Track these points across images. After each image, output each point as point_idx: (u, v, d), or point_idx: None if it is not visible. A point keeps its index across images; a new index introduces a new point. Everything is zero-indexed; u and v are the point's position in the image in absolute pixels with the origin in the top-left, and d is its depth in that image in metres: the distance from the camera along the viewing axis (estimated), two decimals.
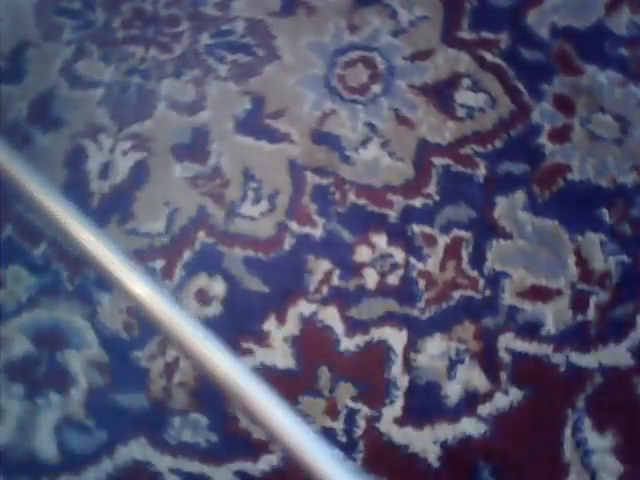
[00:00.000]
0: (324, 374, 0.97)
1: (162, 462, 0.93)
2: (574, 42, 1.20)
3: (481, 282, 1.01)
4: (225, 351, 0.75)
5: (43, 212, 0.81)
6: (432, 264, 1.03)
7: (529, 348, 0.97)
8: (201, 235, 1.08)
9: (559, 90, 1.16)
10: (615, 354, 0.95)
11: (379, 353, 0.98)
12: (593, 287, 1.00)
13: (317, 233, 1.07)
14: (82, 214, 0.84)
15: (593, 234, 1.04)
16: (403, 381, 0.96)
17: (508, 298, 1.00)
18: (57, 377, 1.00)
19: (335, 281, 1.03)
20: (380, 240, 1.06)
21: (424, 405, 0.95)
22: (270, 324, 1.01)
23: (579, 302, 0.99)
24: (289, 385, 0.97)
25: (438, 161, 1.11)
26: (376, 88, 1.19)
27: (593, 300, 0.99)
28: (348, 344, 0.99)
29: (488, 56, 1.20)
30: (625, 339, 0.96)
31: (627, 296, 0.99)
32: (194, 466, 0.93)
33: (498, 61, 1.19)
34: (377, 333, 0.99)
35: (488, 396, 0.94)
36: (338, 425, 0.94)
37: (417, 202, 1.08)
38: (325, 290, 1.03)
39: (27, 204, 0.92)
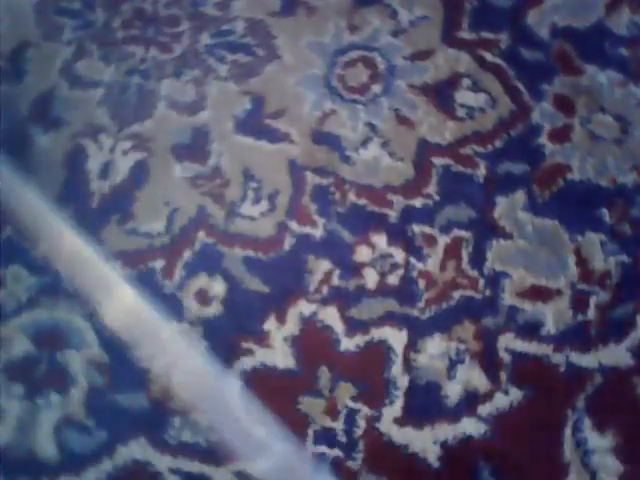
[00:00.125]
0: (324, 374, 0.97)
1: (162, 462, 0.93)
2: (574, 42, 1.20)
3: (481, 282, 1.01)
4: None
5: None
6: (432, 264, 1.03)
7: (529, 348, 0.97)
8: (201, 235, 1.08)
9: (559, 90, 1.16)
10: (615, 354, 0.95)
11: (379, 353, 0.98)
12: (593, 287, 1.00)
13: (317, 233, 1.07)
14: None
15: (593, 234, 1.03)
16: (403, 381, 0.96)
17: (508, 298, 1.00)
18: (57, 377, 1.00)
19: (335, 281, 1.03)
20: (380, 240, 1.06)
21: (424, 405, 0.95)
22: (270, 324, 1.01)
23: (579, 302, 0.99)
24: (289, 385, 0.97)
25: (438, 161, 1.11)
26: (376, 88, 1.19)
27: (593, 300, 0.99)
28: (348, 344, 0.99)
29: (488, 56, 1.20)
30: (625, 339, 0.96)
31: (627, 296, 0.99)
32: (194, 466, 0.93)
33: (498, 61, 1.19)
34: (377, 333, 0.99)
35: (488, 396, 0.94)
36: (338, 425, 0.94)
37: (417, 202, 1.08)
38: (325, 290, 1.03)
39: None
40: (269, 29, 1.26)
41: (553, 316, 0.98)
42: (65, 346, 1.01)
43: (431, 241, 1.05)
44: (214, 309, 1.03)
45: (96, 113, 1.20)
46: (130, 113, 1.20)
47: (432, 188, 1.09)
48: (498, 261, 1.03)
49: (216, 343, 1.00)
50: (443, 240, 1.05)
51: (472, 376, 0.96)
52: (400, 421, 0.94)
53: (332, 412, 0.95)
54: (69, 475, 0.94)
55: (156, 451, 0.94)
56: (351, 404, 0.95)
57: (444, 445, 0.92)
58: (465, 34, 1.22)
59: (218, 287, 1.04)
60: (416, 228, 1.06)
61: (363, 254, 1.05)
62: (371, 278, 1.03)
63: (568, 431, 0.91)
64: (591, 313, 0.98)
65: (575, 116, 1.13)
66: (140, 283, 1.05)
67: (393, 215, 1.07)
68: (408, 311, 1.00)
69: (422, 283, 1.02)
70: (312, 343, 1.00)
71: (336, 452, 0.93)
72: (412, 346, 0.98)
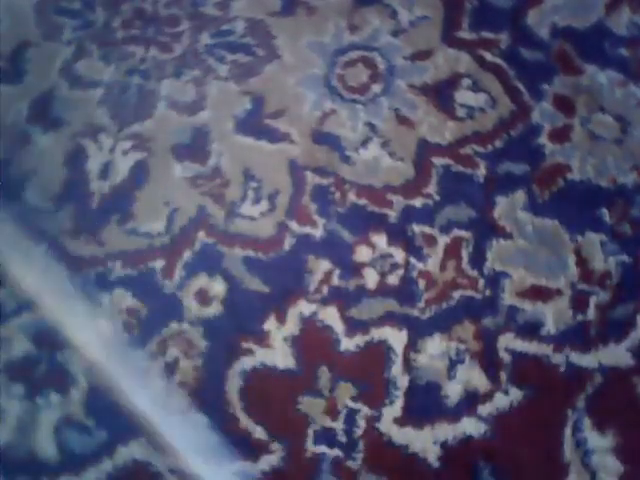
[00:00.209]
0: (324, 374, 0.97)
1: (162, 462, 0.93)
2: (574, 42, 1.20)
3: (481, 282, 1.01)
4: None
5: None
6: (432, 264, 1.03)
7: (529, 348, 0.97)
8: (201, 235, 1.08)
9: (559, 90, 1.16)
10: (615, 354, 0.95)
11: (379, 353, 0.98)
12: (593, 287, 1.00)
13: (317, 233, 1.07)
14: None
15: (593, 234, 1.03)
16: (403, 381, 0.96)
17: (508, 298, 1.00)
18: (57, 377, 1.00)
19: (335, 281, 1.03)
20: (380, 240, 1.06)
21: (424, 405, 0.95)
22: (270, 324, 1.01)
23: (579, 302, 0.99)
24: (289, 385, 0.97)
25: (438, 161, 1.11)
26: (376, 88, 1.19)
27: (593, 300, 0.99)
28: (348, 344, 0.99)
29: (488, 56, 1.20)
30: (625, 339, 0.96)
31: (627, 296, 0.99)
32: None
33: (498, 61, 1.19)
34: (377, 333, 0.99)
35: (488, 396, 0.94)
36: (338, 425, 0.94)
37: (417, 202, 1.08)
38: (325, 290, 1.03)
39: None
40: (269, 29, 1.26)
41: (553, 316, 0.98)
42: (65, 346, 1.01)
43: (431, 241, 1.05)
44: (214, 309, 1.03)
45: (96, 113, 1.20)
46: (130, 113, 1.20)
47: (432, 188, 1.09)
48: (498, 261, 1.03)
49: (216, 343, 1.00)
50: (443, 240, 1.05)
51: (472, 376, 0.96)
52: (400, 421, 0.94)
53: (332, 412, 0.95)
54: (69, 475, 0.94)
55: (156, 451, 0.94)
56: (351, 404, 0.95)
57: (444, 445, 0.92)
58: (465, 34, 1.22)
59: (218, 287, 1.04)
60: (416, 228, 1.06)
61: (363, 254, 1.05)
62: (371, 278, 1.03)
63: (568, 431, 0.91)
64: (591, 313, 0.98)
65: (575, 116, 1.13)
66: (140, 283, 1.05)
67: (393, 215, 1.07)
68: (408, 311, 1.00)
69: (422, 283, 1.02)
70: (312, 343, 1.00)
71: (336, 452, 0.93)
72: (412, 346, 0.98)
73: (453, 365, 0.96)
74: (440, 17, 1.24)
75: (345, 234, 1.07)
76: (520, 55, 1.19)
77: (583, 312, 0.98)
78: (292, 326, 1.00)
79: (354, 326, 1.00)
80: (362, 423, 0.94)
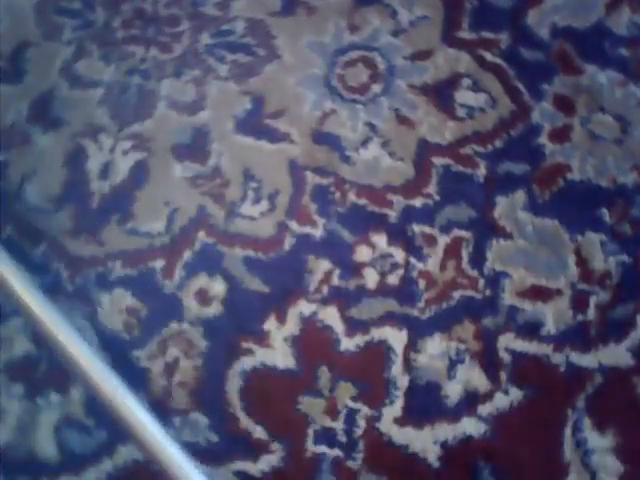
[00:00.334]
0: (324, 374, 0.97)
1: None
2: (574, 42, 1.20)
3: (481, 282, 1.01)
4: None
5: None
6: (432, 264, 1.03)
7: (529, 348, 0.97)
8: (201, 235, 1.08)
9: (559, 90, 1.16)
10: (615, 354, 0.95)
11: (379, 353, 0.98)
12: (593, 287, 1.00)
13: (317, 233, 1.07)
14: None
15: (593, 234, 1.04)
16: (403, 381, 0.96)
17: (508, 298, 1.00)
18: (57, 377, 1.00)
19: (335, 281, 1.03)
20: (380, 240, 1.06)
21: (424, 405, 0.95)
22: (270, 324, 1.01)
23: (579, 302, 0.99)
24: (289, 385, 0.97)
25: (438, 161, 1.11)
26: (376, 88, 1.19)
27: (593, 300, 0.99)
28: (348, 344, 0.99)
29: (488, 56, 1.19)
30: (625, 339, 0.96)
31: (627, 296, 0.99)
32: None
33: (498, 61, 1.19)
34: (377, 333, 0.99)
35: (488, 396, 0.94)
36: (338, 425, 0.94)
37: (417, 202, 1.08)
38: (325, 290, 1.03)
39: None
40: (269, 29, 1.26)
41: (553, 316, 0.98)
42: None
43: (431, 241, 1.05)
44: (214, 309, 1.03)
45: (96, 113, 1.20)
46: (130, 113, 1.20)
47: (432, 188, 1.09)
48: (498, 261, 1.03)
49: (216, 343, 1.00)
50: (443, 240, 1.05)
51: (472, 376, 0.96)
52: (400, 421, 0.94)
53: (332, 412, 0.95)
54: (69, 475, 0.94)
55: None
56: (351, 404, 0.95)
57: (444, 445, 0.92)
58: (465, 34, 1.22)
59: (218, 287, 1.04)
60: (416, 228, 1.06)
61: (363, 254, 1.05)
62: (371, 278, 1.03)
63: (568, 431, 0.91)
64: (591, 313, 0.98)
65: (575, 116, 1.13)
66: (140, 283, 1.05)
67: (393, 215, 1.07)
68: (408, 311, 1.00)
69: (422, 283, 1.02)
70: (312, 343, 1.00)
71: (336, 452, 0.93)
72: (412, 346, 0.98)
73: (453, 365, 0.96)
74: (440, 17, 1.24)
75: (345, 234, 1.07)
76: (520, 55, 1.19)
77: (583, 312, 0.98)
78: (292, 326, 1.00)
79: (354, 326, 1.00)
80: (362, 423, 0.94)
